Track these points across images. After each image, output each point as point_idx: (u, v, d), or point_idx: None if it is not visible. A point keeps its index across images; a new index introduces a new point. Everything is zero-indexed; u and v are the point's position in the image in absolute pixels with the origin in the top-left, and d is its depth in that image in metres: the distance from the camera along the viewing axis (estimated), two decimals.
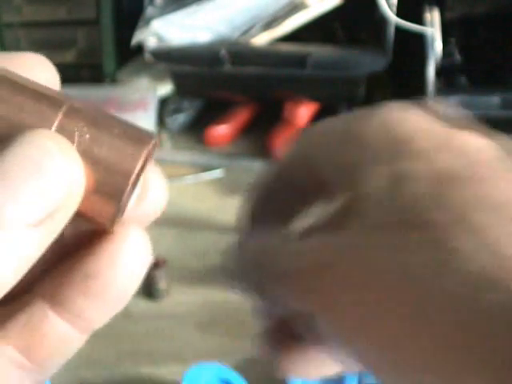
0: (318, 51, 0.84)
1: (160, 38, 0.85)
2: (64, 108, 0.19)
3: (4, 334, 0.20)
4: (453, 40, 0.89)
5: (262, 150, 0.88)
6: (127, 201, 0.19)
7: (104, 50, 0.98)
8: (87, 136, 0.19)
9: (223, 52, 0.83)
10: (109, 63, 0.98)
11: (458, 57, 0.90)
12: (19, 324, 0.20)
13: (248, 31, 0.87)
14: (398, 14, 0.82)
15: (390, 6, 0.82)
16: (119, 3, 0.99)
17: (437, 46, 0.84)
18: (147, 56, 0.85)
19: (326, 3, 0.85)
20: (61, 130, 0.19)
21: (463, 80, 0.89)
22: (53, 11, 0.98)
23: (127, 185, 0.19)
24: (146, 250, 0.21)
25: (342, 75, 0.84)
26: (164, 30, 0.85)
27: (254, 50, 0.85)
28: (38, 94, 0.19)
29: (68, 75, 1.01)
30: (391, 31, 0.82)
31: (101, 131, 0.19)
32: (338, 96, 0.89)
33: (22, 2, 0.97)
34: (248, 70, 0.84)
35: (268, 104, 0.93)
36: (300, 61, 0.83)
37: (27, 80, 0.19)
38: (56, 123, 0.19)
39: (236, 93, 0.92)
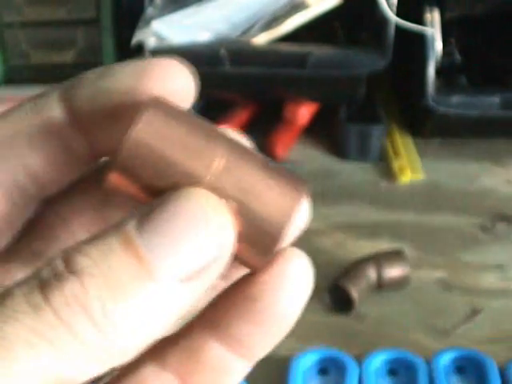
0: (318, 51, 0.84)
1: (160, 38, 0.85)
2: (216, 163, 0.20)
3: (163, 361, 0.20)
4: (453, 40, 0.89)
5: (262, 149, 0.88)
6: (280, 246, 0.19)
7: (104, 50, 0.98)
8: (238, 191, 0.19)
9: (223, 52, 0.83)
10: (109, 63, 0.98)
11: (458, 57, 0.90)
12: (179, 350, 0.20)
13: (248, 31, 0.87)
14: (398, 14, 0.82)
15: (390, 5, 0.82)
16: (119, 3, 0.99)
17: (437, 46, 0.84)
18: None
19: (325, 3, 0.85)
20: (215, 182, 0.19)
21: (463, 80, 0.89)
22: (53, 11, 0.98)
23: (279, 239, 0.19)
24: (310, 274, 0.20)
25: (342, 75, 0.84)
26: (164, 30, 0.85)
27: (254, 50, 0.85)
28: (191, 135, 0.20)
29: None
30: (391, 31, 0.82)
31: (252, 185, 0.19)
32: (338, 96, 0.89)
33: (22, 2, 0.97)
34: (248, 69, 0.84)
35: (268, 104, 0.93)
36: (300, 61, 0.83)
37: (180, 112, 0.20)
38: (208, 178, 0.19)
39: (236, 93, 0.92)
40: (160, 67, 0.21)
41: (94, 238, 0.18)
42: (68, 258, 0.17)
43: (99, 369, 0.17)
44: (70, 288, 0.17)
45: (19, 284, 0.17)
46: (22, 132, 0.21)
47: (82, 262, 0.17)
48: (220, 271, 0.18)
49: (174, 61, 0.21)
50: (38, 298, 0.17)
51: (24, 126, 0.21)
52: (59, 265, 0.17)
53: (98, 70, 0.21)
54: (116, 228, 0.18)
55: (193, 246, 0.18)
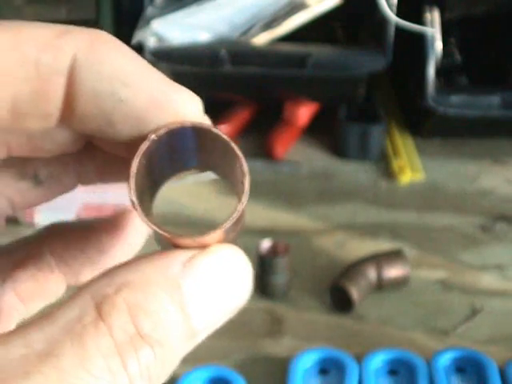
0: (318, 51, 0.84)
1: (160, 38, 0.85)
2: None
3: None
4: (453, 40, 0.89)
5: (262, 150, 0.88)
6: None
7: None
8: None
9: (223, 52, 0.83)
10: None
11: (458, 57, 0.90)
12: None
13: (248, 31, 0.87)
14: (398, 14, 0.82)
15: (390, 5, 0.82)
16: (119, 3, 0.99)
17: (437, 46, 0.84)
18: (147, 56, 0.85)
19: (325, 3, 0.85)
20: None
21: (463, 80, 0.89)
22: (53, 11, 0.98)
23: None
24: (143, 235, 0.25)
25: (342, 75, 0.84)
26: (164, 30, 0.85)
27: (254, 50, 0.85)
28: None
29: None
30: (391, 31, 0.82)
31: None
32: (338, 96, 0.89)
33: (22, 2, 0.97)
34: (248, 69, 0.84)
35: (268, 104, 0.93)
36: (300, 61, 0.83)
37: None
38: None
39: (236, 93, 0.92)
40: (176, 96, 0.22)
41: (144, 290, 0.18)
42: (137, 323, 0.18)
43: None
44: (145, 358, 0.18)
45: (96, 342, 0.17)
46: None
47: (150, 329, 0.18)
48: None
49: (186, 90, 0.23)
50: (116, 364, 0.17)
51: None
52: (129, 328, 0.18)
53: (116, 67, 0.21)
54: (165, 279, 0.19)
55: (230, 304, 0.20)
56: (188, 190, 0.82)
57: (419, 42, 0.84)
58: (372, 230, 0.76)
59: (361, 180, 0.85)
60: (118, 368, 0.17)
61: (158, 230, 0.20)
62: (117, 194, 0.71)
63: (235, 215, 0.21)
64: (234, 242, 0.22)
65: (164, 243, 0.21)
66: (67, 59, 0.19)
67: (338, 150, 0.88)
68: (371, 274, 0.66)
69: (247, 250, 0.66)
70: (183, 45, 0.85)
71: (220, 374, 0.58)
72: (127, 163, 0.20)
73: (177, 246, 0.21)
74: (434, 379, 0.57)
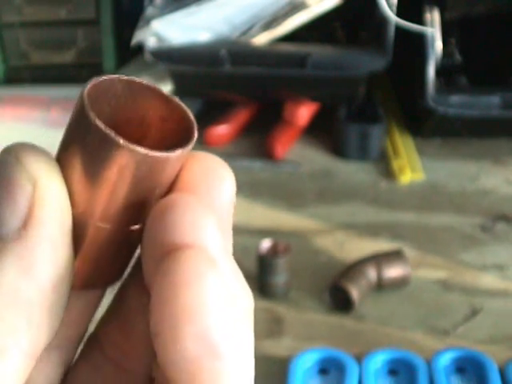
0: (318, 51, 0.84)
1: (160, 38, 0.85)
2: None
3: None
4: (453, 40, 0.89)
5: (262, 150, 0.88)
6: None
7: (104, 50, 0.98)
8: None
9: (223, 52, 0.83)
10: (109, 63, 0.98)
11: (458, 57, 0.90)
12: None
13: (248, 31, 0.87)
14: (398, 14, 0.82)
15: (390, 5, 0.82)
16: (119, 3, 0.99)
17: (437, 46, 0.84)
18: (147, 56, 0.85)
19: (325, 3, 0.85)
20: None
21: (463, 80, 0.89)
22: (53, 11, 0.98)
23: None
24: None
25: (342, 75, 0.84)
26: (164, 30, 0.85)
27: (254, 50, 0.85)
28: None
29: (68, 75, 1.02)
30: (391, 31, 0.82)
31: None
32: (338, 96, 0.89)
33: (22, 2, 0.97)
34: (248, 69, 0.84)
35: (268, 104, 0.93)
36: (300, 61, 0.83)
37: None
38: None
39: (236, 93, 0.92)
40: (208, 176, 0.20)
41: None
42: None
43: None
44: None
45: None
46: None
47: None
48: None
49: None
50: None
51: None
52: None
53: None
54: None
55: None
56: None
57: (419, 42, 0.84)
58: (372, 230, 0.76)
59: (361, 180, 0.84)
60: None
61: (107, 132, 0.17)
62: None
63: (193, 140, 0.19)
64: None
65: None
66: None
67: (338, 150, 0.88)
68: (371, 274, 0.66)
69: (247, 250, 0.67)
70: (183, 45, 0.85)
71: None
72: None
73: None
74: (434, 379, 0.57)
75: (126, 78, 0.19)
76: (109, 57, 0.98)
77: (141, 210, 0.19)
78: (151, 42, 0.84)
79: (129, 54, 0.95)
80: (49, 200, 0.18)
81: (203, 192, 0.19)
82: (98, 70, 0.99)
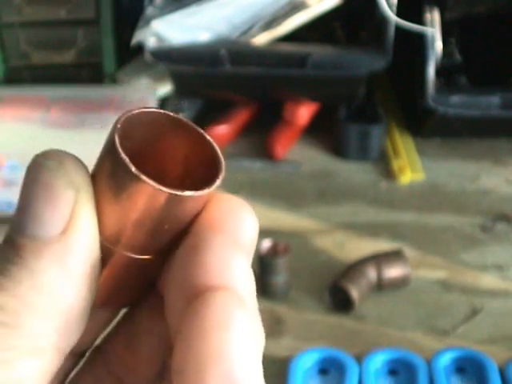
0: (318, 51, 0.84)
1: (160, 38, 0.85)
2: None
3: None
4: (453, 40, 0.89)
5: (262, 149, 0.88)
6: None
7: (104, 49, 0.98)
8: None
9: (223, 52, 0.83)
10: (109, 63, 0.98)
11: (458, 57, 0.90)
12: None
13: (248, 31, 0.87)
14: (398, 14, 0.82)
15: (390, 5, 0.82)
16: (119, 3, 0.99)
17: (437, 46, 0.84)
18: (147, 56, 0.85)
19: (325, 3, 0.85)
20: None
21: (463, 80, 0.89)
22: (53, 11, 0.98)
23: None
24: None
25: (342, 75, 0.84)
26: (164, 30, 0.85)
27: (254, 50, 0.85)
28: None
29: (68, 75, 1.02)
30: (391, 31, 0.82)
31: None
32: (338, 96, 0.89)
33: (21, 2, 0.97)
34: (248, 69, 0.84)
35: (268, 104, 0.93)
36: (300, 61, 0.83)
37: None
38: None
39: (236, 93, 0.92)
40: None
41: None
42: None
43: None
44: None
45: None
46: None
47: None
48: None
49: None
50: None
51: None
52: None
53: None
54: None
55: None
56: None
57: (419, 42, 0.84)
58: (372, 230, 0.76)
59: (361, 180, 0.84)
60: None
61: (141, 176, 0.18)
62: None
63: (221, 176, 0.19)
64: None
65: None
66: None
67: (338, 150, 0.88)
68: (371, 274, 0.66)
69: None
70: (183, 45, 0.85)
71: None
72: None
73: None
74: (434, 379, 0.57)
75: (159, 111, 0.20)
76: (109, 57, 0.98)
77: (162, 242, 0.20)
78: (151, 42, 0.84)
79: (129, 54, 0.95)
80: (88, 209, 0.19)
81: (230, 231, 0.19)
82: (97, 70, 0.99)
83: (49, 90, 0.95)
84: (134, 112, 0.19)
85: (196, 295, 0.18)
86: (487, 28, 0.91)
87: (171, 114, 0.20)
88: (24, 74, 1.00)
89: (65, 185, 0.18)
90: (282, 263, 0.66)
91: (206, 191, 0.19)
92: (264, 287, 0.67)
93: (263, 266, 0.66)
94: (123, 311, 0.22)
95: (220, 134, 0.89)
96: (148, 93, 0.92)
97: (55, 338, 0.18)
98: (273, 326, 0.65)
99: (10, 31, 0.98)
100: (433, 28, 0.83)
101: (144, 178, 0.18)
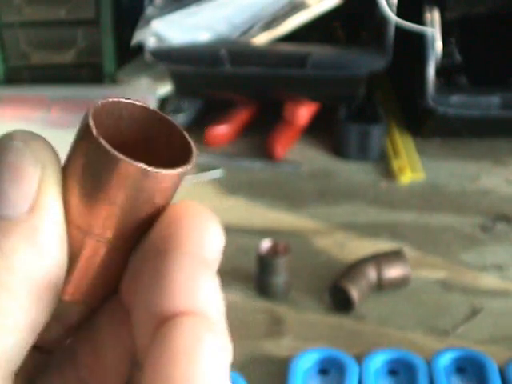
0: (318, 51, 0.84)
1: (160, 38, 0.85)
2: None
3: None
4: (453, 40, 0.89)
5: (262, 149, 0.88)
6: None
7: (104, 49, 0.98)
8: None
9: (223, 52, 0.83)
10: (109, 63, 0.98)
11: (458, 57, 0.90)
12: None
13: (248, 31, 0.87)
14: (398, 14, 0.82)
15: (390, 5, 0.82)
16: (119, 3, 0.99)
17: (437, 46, 0.84)
18: (147, 56, 0.85)
19: (325, 3, 0.85)
20: None
21: (463, 80, 0.89)
22: (53, 11, 0.98)
23: None
24: None
25: (342, 75, 0.84)
26: (164, 30, 0.85)
27: (254, 50, 0.85)
28: None
29: (68, 75, 1.02)
30: (391, 31, 0.82)
31: None
32: (338, 96, 0.89)
33: (21, 2, 0.97)
34: (248, 69, 0.84)
35: (268, 104, 0.93)
36: (300, 61, 0.83)
37: None
38: None
39: (236, 93, 0.92)
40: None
41: None
42: None
43: None
44: None
45: None
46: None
47: None
48: None
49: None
50: None
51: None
52: None
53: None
54: None
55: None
56: (188, 190, 0.82)
57: (419, 42, 0.84)
58: (372, 230, 0.76)
59: (361, 180, 0.84)
60: None
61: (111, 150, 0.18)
62: None
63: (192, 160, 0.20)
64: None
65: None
66: None
67: (338, 150, 0.88)
68: (371, 274, 0.66)
69: (247, 250, 0.67)
70: (183, 45, 0.85)
71: None
72: None
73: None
74: (434, 379, 0.57)
75: (131, 101, 0.20)
76: (109, 57, 0.98)
77: (132, 227, 0.20)
78: (151, 42, 0.84)
79: (129, 54, 0.95)
80: (55, 187, 0.19)
81: (196, 250, 0.19)
82: (97, 70, 0.99)
83: (49, 89, 0.95)
84: (107, 101, 0.20)
85: (163, 321, 0.18)
86: (487, 28, 0.91)
87: (141, 103, 0.20)
88: (24, 73, 1.00)
89: (30, 164, 0.18)
90: (281, 263, 0.66)
91: (176, 170, 0.19)
92: (264, 287, 0.67)
93: (263, 266, 0.66)
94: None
95: (220, 134, 0.89)
96: (148, 93, 0.92)
97: (25, 318, 0.18)
98: (273, 326, 0.65)
99: (9, 31, 0.98)
100: (433, 28, 0.83)
101: (119, 155, 0.18)
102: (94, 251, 0.20)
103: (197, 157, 0.20)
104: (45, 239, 0.18)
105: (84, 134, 0.19)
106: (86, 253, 0.20)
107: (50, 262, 0.18)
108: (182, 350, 0.17)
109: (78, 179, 0.19)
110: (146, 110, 0.20)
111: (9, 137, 0.19)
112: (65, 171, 0.19)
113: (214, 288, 0.19)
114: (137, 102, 0.20)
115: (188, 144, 0.20)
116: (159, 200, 0.20)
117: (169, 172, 0.19)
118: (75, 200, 0.19)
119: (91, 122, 0.19)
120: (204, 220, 0.20)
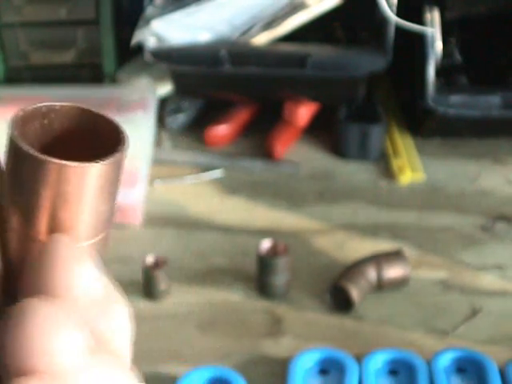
0: (318, 51, 0.84)
1: (160, 38, 0.85)
2: None
3: None
4: (453, 40, 0.89)
5: (261, 150, 0.88)
6: None
7: (104, 49, 0.98)
8: None
9: (223, 52, 0.83)
10: (109, 63, 0.98)
11: (458, 57, 0.90)
12: None
13: (248, 31, 0.87)
14: (398, 14, 0.82)
15: (390, 5, 0.82)
16: (119, 3, 0.99)
17: (437, 46, 0.84)
18: (147, 56, 0.85)
19: (325, 3, 0.85)
20: None
21: (463, 80, 0.89)
22: (53, 11, 0.98)
23: None
24: None
25: (342, 75, 0.84)
26: (164, 30, 0.85)
27: (254, 50, 0.85)
28: None
29: (68, 75, 1.02)
30: (391, 31, 0.82)
31: None
32: (338, 96, 0.89)
33: (21, 2, 0.97)
34: (248, 69, 0.84)
35: (268, 104, 0.93)
36: (300, 61, 0.83)
37: None
38: None
39: (236, 93, 0.92)
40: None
41: None
42: None
43: None
44: None
45: None
46: None
47: None
48: None
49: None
50: None
51: None
52: None
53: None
54: None
55: None
56: (188, 190, 0.82)
57: (419, 42, 0.84)
58: (372, 230, 0.76)
59: (361, 180, 0.84)
60: None
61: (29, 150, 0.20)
62: None
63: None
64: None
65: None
66: None
67: (338, 150, 0.88)
68: (371, 273, 0.66)
69: (247, 250, 0.67)
70: (183, 45, 0.85)
71: (220, 375, 0.58)
72: None
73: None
74: (434, 379, 0.57)
75: (48, 103, 0.21)
76: (109, 57, 0.98)
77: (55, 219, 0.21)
78: (151, 42, 0.84)
79: (129, 54, 0.95)
80: None
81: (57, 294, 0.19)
82: (97, 70, 0.99)
83: (49, 90, 0.95)
84: (26, 109, 0.20)
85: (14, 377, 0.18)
86: (487, 28, 0.91)
87: (58, 103, 0.21)
88: (24, 74, 1.00)
89: None
90: (281, 263, 0.66)
91: (96, 163, 0.20)
92: (264, 287, 0.67)
93: (263, 266, 0.66)
94: None
95: (220, 134, 0.90)
96: (148, 93, 0.92)
97: None
98: (273, 326, 0.65)
99: (9, 31, 0.98)
100: (433, 28, 0.83)
101: (36, 154, 0.19)
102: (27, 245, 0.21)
103: (127, 142, 0.21)
104: None
105: (9, 141, 0.20)
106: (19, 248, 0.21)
107: None
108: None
109: (10, 184, 0.20)
110: (73, 108, 0.21)
111: None
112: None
113: (81, 343, 0.19)
114: (63, 103, 0.21)
115: (120, 133, 0.21)
116: (76, 190, 0.20)
117: (79, 165, 0.20)
118: (11, 204, 0.20)
119: (13, 130, 0.20)
120: (69, 255, 0.20)
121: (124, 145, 0.20)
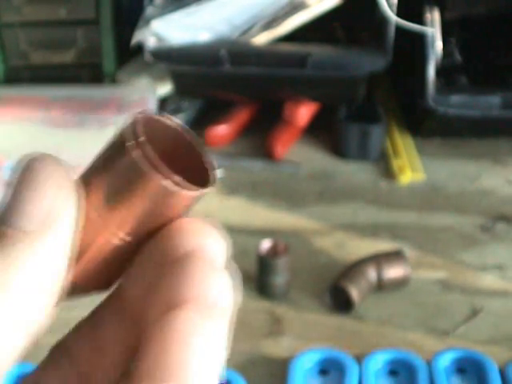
0: (318, 51, 0.84)
1: (160, 38, 0.85)
2: None
3: None
4: (453, 40, 0.89)
5: (261, 150, 0.88)
6: None
7: (104, 50, 0.98)
8: None
9: (223, 52, 0.83)
10: (109, 63, 0.98)
11: (458, 57, 0.90)
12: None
13: (248, 31, 0.87)
14: (398, 14, 0.82)
15: (390, 5, 0.82)
16: (119, 3, 0.99)
17: (437, 46, 0.84)
18: (147, 56, 0.85)
19: (325, 3, 0.85)
20: None
21: (463, 80, 0.89)
22: (53, 11, 0.98)
23: None
24: None
25: (342, 75, 0.84)
26: (164, 30, 0.85)
27: (254, 50, 0.85)
28: None
29: (68, 75, 1.02)
30: (391, 31, 0.82)
31: None
32: (338, 96, 0.89)
33: (21, 1, 0.97)
34: (248, 70, 0.84)
35: (268, 104, 0.93)
36: (300, 61, 0.83)
37: None
38: None
39: (236, 93, 0.92)
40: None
41: None
42: None
43: None
44: None
45: None
46: None
47: None
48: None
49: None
50: None
51: None
52: None
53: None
54: None
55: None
56: None
57: (419, 42, 0.84)
58: (372, 230, 0.76)
59: (361, 180, 0.84)
60: None
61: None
62: None
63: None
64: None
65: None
66: None
67: (338, 150, 0.88)
68: (371, 274, 0.66)
69: (247, 250, 0.67)
70: (183, 45, 0.85)
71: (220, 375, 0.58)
72: None
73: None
74: (435, 380, 0.57)
75: (165, 119, 0.22)
76: (109, 57, 0.98)
77: (145, 230, 0.22)
78: (151, 42, 0.84)
79: (129, 54, 0.95)
80: (68, 211, 0.20)
81: (205, 257, 0.21)
82: (97, 70, 0.99)
83: (49, 89, 0.95)
84: (145, 116, 0.21)
85: (169, 309, 0.20)
86: (487, 28, 0.91)
87: (172, 122, 0.23)
88: (24, 73, 1.00)
89: (47, 184, 0.20)
90: (281, 263, 0.66)
91: (196, 192, 0.21)
92: (264, 287, 0.67)
93: (263, 266, 0.66)
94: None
95: (220, 134, 0.89)
96: (148, 93, 0.92)
97: (30, 324, 0.19)
98: (273, 326, 0.65)
99: (9, 31, 0.98)
100: (433, 28, 0.83)
101: (152, 170, 0.20)
102: (106, 241, 0.21)
103: (216, 182, 0.22)
104: (48, 256, 0.19)
105: (117, 145, 0.20)
106: (98, 241, 0.21)
107: (50, 277, 0.19)
108: (176, 339, 0.19)
109: (106, 179, 0.21)
110: (175, 130, 0.23)
111: (31, 158, 0.20)
112: (89, 175, 0.21)
113: (223, 286, 0.22)
114: (169, 121, 0.23)
115: (208, 168, 0.22)
116: (173, 214, 0.21)
117: (189, 193, 0.21)
118: (99, 195, 0.21)
119: (128, 134, 0.20)
120: (206, 228, 0.22)
121: (213, 185, 0.21)
